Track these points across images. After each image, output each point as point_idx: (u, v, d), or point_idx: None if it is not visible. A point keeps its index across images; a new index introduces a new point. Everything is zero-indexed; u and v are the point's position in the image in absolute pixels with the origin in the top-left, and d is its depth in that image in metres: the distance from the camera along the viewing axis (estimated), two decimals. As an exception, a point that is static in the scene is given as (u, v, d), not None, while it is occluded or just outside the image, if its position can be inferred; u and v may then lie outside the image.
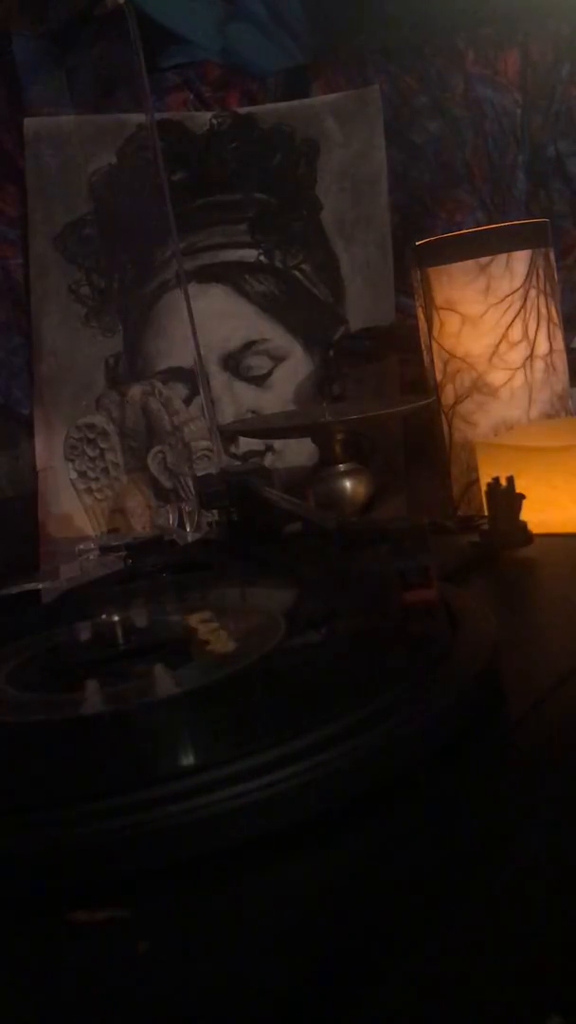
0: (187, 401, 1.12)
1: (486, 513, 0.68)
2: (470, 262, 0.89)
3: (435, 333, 0.92)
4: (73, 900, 0.34)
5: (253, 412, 1.12)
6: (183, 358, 1.10)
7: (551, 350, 0.91)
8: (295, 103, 1.14)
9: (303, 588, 0.57)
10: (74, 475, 1.11)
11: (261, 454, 1.12)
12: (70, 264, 1.11)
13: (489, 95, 1.10)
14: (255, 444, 1.12)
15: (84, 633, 0.53)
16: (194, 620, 0.52)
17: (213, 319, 1.11)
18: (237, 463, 1.09)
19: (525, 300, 0.89)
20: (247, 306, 1.13)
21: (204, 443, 1.10)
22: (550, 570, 0.63)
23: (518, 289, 0.89)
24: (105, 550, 0.84)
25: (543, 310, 0.90)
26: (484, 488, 0.69)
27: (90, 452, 1.11)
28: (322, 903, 0.33)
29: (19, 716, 0.47)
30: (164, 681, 0.47)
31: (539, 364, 0.90)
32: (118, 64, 1.09)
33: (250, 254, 1.13)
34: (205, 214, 1.12)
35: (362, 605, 0.53)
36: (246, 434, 1.10)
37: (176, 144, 1.12)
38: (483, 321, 0.90)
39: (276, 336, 1.13)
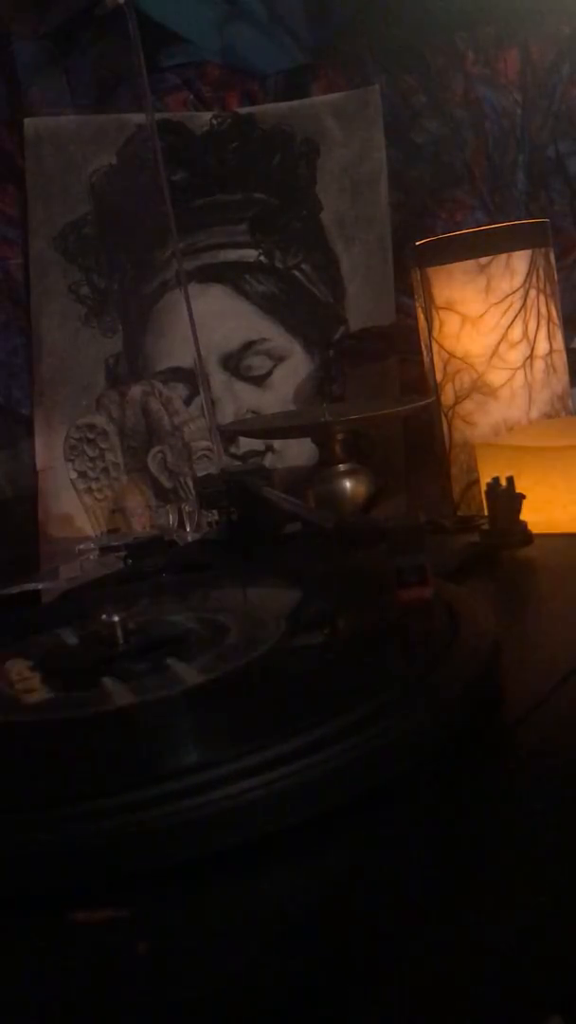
0: (187, 401, 1.12)
1: (486, 513, 0.68)
2: (470, 262, 0.89)
3: (435, 333, 0.92)
4: (73, 900, 0.34)
5: (253, 412, 1.12)
6: (183, 358, 1.10)
7: (551, 350, 0.91)
8: (295, 103, 1.14)
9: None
10: (74, 475, 1.11)
11: (261, 454, 1.12)
12: (70, 264, 1.11)
13: (489, 95, 1.10)
14: (255, 444, 1.12)
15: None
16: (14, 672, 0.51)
17: (213, 319, 1.11)
18: (237, 463, 1.09)
19: (525, 300, 0.89)
20: (247, 306, 1.13)
21: (204, 443, 1.10)
22: (550, 570, 0.63)
23: (518, 289, 0.89)
24: (105, 550, 0.84)
25: (543, 310, 0.90)
26: (484, 488, 0.69)
27: (90, 452, 1.11)
28: (322, 903, 0.33)
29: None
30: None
31: (539, 364, 0.90)
32: (118, 64, 1.09)
33: (250, 254, 1.13)
34: (205, 214, 1.12)
35: (361, 604, 0.53)
36: (246, 434, 1.10)
37: (176, 144, 1.12)
38: (483, 321, 0.90)
39: (276, 336, 1.13)
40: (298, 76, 1.15)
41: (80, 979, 0.31)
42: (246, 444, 1.12)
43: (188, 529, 0.98)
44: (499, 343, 0.90)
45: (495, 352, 0.90)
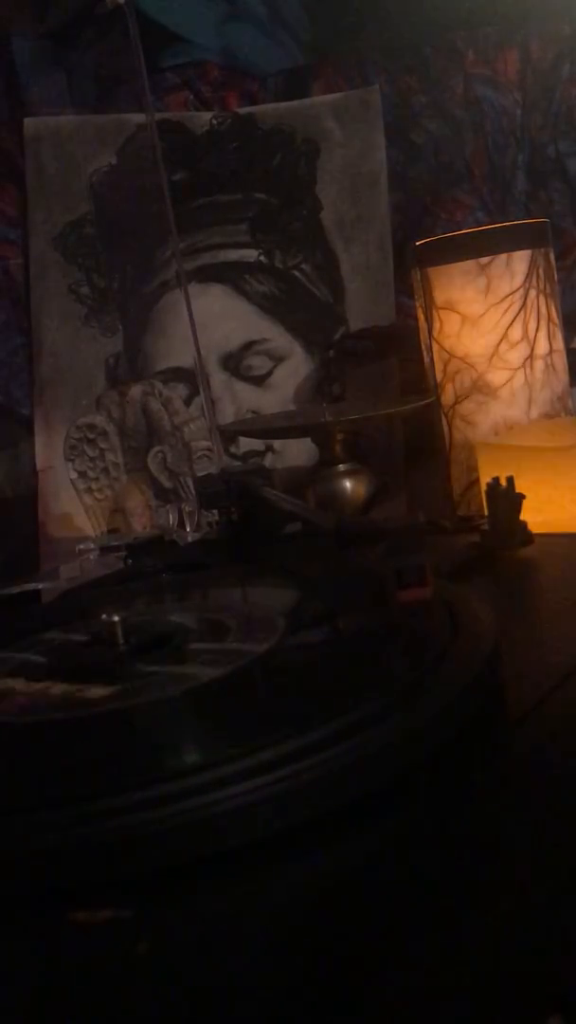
0: (187, 401, 1.12)
1: (486, 513, 0.68)
2: (470, 262, 0.89)
3: (435, 333, 0.92)
4: (73, 900, 0.34)
5: (253, 412, 1.12)
6: (183, 358, 1.10)
7: (551, 350, 0.91)
8: (295, 103, 1.14)
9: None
10: (74, 475, 1.11)
11: (261, 454, 1.12)
12: (70, 264, 1.11)
13: (489, 95, 1.10)
14: (255, 444, 1.12)
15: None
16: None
17: (213, 319, 1.11)
18: (237, 463, 1.09)
19: (525, 300, 0.89)
20: (247, 306, 1.13)
21: (204, 443, 1.10)
22: (550, 570, 0.63)
23: (518, 289, 0.89)
24: (105, 550, 0.84)
25: (543, 310, 0.90)
26: (484, 488, 0.69)
27: (90, 452, 1.11)
28: (322, 903, 0.33)
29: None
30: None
31: (539, 364, 0.90)
32: (118, 64, 1.09)
33: (250, 254, 1.13)
34: (205, 214, 1.12)
35: (361, 605, 0.53)
36: (246, 434, 1.10)
37: (176, 144, 1.12)
38: (483, 321, 0.90)
39: (276, 336, 1.13)
40: (298, 76, 1.15)
41: (80, 979, 0.31)
42: (246, 444, 1.12)
43: (188, 529, 0.98)
44: (499, 343, 0.90)
45: (495, 352, 0.90)
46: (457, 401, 0.92)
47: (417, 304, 0.96)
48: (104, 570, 0.79)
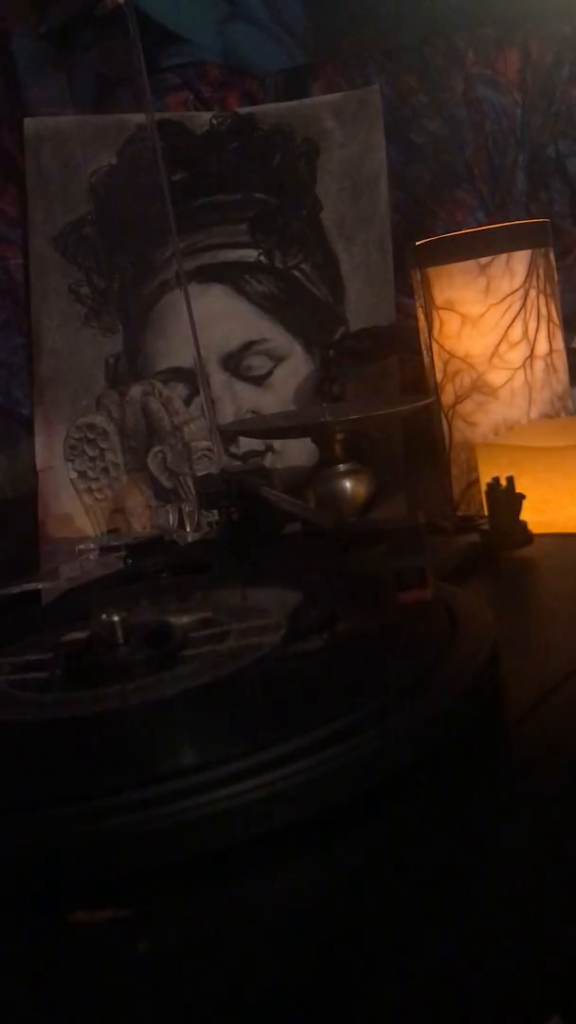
0: (187, 401, 1.12)
1: (486, 513, 0.68)
2: (470, 262, 0.89)
3: (435, 333, 0.92)
4: (73, 900, 0.34)
5: (253, 412, 1.12)
6: (183, 358, 1.10)
7: (551, 350, 0.91)
8: (295, 103, 1.14)
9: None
10: (74, 475, 1.11)
11: (261, 454, 1.12)
12: (70, 264, 1.11)
13: (489, 95, 1.10)
14: (255, 444, 1.12)
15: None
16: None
17: (213, 319, 1.11)
18: (237, 463, 1.09)
19: (525, 300, 0.89)
20: (247, 306, 1.13)
21: (204, 443, 1.10)
22: (550, 570, 0.63)
23: (518, 289, 0.89)
24: (105, 550, 0.84)
25: (543, 310, 0.90)
26: (484, 488, 0.69)
27: (90, 452, 1.11)
28: (322, 903, 0.33)
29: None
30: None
31: (539, 364, 0.90)
32: (118, 64, 1.09)
33: (250, 254, 1.13)
34: (205, 214, 1.12)
35: (361, 605, 0.53)
36: (246, 434, 1.10)
37: (176, 144, 1.12)
38: (483, 321, 0.90)
39: (276, 336, 1.13)
40: (298, 76, 1.15)
41: (80, 979, 0.31)
42: (246, 444, 1.12)
43: (188, 529, 0.98)
44: (499, 343, 0.90)
45: (495, 352, 0.90)
46: (457, 401, 0.92)
47: (417, 304, 0.96)
48: (104, 570, 0.79)
